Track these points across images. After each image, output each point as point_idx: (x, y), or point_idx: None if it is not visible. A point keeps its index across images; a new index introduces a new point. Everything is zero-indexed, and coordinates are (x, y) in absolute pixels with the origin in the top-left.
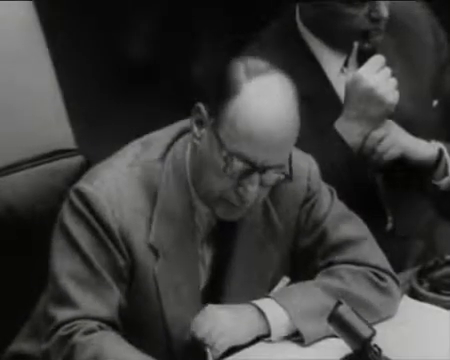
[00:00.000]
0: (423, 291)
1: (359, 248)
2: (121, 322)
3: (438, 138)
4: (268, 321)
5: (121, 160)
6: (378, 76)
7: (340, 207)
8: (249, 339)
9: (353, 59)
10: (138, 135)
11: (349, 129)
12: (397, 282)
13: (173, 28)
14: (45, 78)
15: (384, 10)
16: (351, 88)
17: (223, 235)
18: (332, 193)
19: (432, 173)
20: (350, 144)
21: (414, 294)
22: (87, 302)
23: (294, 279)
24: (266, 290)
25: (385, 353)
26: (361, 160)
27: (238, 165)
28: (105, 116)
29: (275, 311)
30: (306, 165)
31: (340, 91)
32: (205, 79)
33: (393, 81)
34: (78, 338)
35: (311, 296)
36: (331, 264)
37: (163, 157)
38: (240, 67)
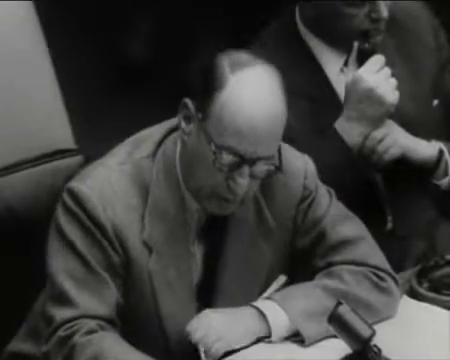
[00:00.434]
0: (423, 291)
1: (358, 248)
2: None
3: (438, 138)
4: (269, 323)
5: (112, 159)
6: (378, 76)
7: (339, 207)
8: (248, 342)
9: (353, 59)
10: None
11: (349, 129)
12: (397, 282)
13: (173, 28)
14: (45, 78)
15: (384, 10)
16: (351, 88)
17: (214, 231)
18: (330, 194)
19: (432, 173)
20: (350, 144)
21: (414, 294)
22: (85, 301)
23: (293, 279)
24: (261, 287)
25: (385, 353)
26: (361, 160)
27: (227, 158)
28: (105, 116)
29: (275, 312)
30: (302, 164)
31: (340, 91)
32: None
33: (393, 81)
34: (78, 339)
35: (311, 297)
36: (330, 264)
37: (154, 154)
38: (225, 61)
